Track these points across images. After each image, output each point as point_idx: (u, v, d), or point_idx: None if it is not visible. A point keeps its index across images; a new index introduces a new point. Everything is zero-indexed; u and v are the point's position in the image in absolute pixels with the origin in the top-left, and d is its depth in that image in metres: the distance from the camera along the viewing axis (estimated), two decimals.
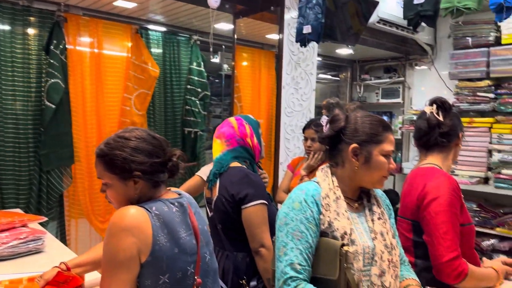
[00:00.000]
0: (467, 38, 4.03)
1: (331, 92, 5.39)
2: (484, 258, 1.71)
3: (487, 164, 4.00)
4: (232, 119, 1.98)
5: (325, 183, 1.32)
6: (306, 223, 1.23)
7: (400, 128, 4.55)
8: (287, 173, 2.97)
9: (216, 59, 4.11)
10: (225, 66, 4.15)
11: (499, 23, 3.77)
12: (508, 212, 3.88)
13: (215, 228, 1.90)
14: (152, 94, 3.59)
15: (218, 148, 1.93)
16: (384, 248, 1.28)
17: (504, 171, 3.78)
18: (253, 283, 1.84)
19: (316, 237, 1.24)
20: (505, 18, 1.91)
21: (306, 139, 2.60)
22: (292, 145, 3.15)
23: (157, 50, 3.68)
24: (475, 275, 1.51)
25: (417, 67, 4.63)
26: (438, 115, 1.68)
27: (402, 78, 4.68)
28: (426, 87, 4.50)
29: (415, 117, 4.02)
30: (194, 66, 3.82)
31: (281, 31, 3.06)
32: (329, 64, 5.13)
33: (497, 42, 3.85)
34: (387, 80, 4.76)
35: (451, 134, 1.69)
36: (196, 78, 3.81)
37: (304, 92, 3.20)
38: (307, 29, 2.53)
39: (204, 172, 2.29)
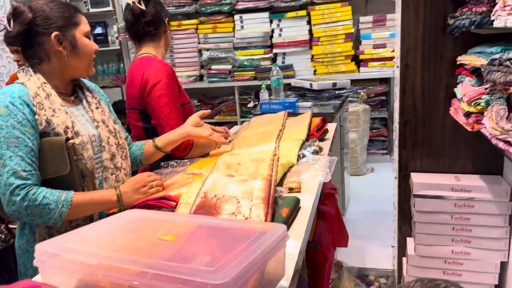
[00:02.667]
0: None
1: None
2: None
3: (199, 62, 4.52)
4: None
5: (30, 82, 1.20)
6: (19, 127, 1.13)
7: (117, 38, 4.47)
8: None
9: None
10: None
11: None
12: (221, 101, 4.59)
13: None
14: None
15: None
16: (109, 133, 1.32)
17: (214, 66, 4.37)
18: None
19: (36, 139, 1.15)
20: None
21: (12, 52, 2.26)
22: None
23: None
24: (198, 144, 1.76)
25: None
26: (140, 4, 1.73)
27: None
28: None
29: None
30: None
31: None
32: None
33: None
34: None
35: (156, 21, 1.78)
36: None
37: None
38: None
39: None
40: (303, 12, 4.02)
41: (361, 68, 4.02)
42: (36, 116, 1.16)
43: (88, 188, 1.21)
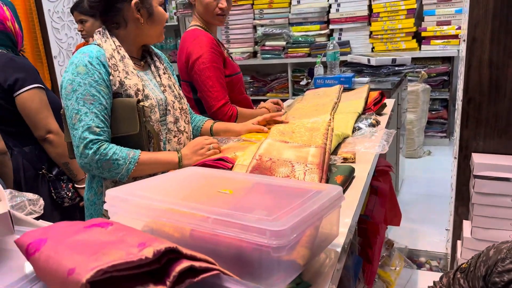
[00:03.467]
0: None
1: None
2: (261, 103, 2.03)
3: (253, 39, 4.52)
4: None
5: (106, 44, 1.27)
6: (96, 85, 1.20)
7: (175, 14, 4.57)
8: None
9: None
10: None
11: None
12: (274, 78, 4.59)
13: None
14: None
15: None
16: (174, 98, 1.38)
17: (268, 43, 4.36)
18: (54, 171, 1.77)
19: (109, 98, 1.22)
20: None
21: (77, 22, 2.39)
22: (64, 35, 2.81)
23: None
24: (244, 115, 1.79)
25: None
26: None
27: None
28: None
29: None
30: None
31: None
32: None
33: None
34: None
35: None
36: None
37: None
38: None
39: None
40: None
41: (422, 46, 3.84)
42: (111, 77, 1.23)
43: (154, 149, 1.27)
